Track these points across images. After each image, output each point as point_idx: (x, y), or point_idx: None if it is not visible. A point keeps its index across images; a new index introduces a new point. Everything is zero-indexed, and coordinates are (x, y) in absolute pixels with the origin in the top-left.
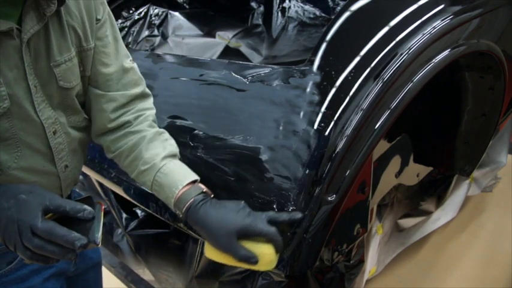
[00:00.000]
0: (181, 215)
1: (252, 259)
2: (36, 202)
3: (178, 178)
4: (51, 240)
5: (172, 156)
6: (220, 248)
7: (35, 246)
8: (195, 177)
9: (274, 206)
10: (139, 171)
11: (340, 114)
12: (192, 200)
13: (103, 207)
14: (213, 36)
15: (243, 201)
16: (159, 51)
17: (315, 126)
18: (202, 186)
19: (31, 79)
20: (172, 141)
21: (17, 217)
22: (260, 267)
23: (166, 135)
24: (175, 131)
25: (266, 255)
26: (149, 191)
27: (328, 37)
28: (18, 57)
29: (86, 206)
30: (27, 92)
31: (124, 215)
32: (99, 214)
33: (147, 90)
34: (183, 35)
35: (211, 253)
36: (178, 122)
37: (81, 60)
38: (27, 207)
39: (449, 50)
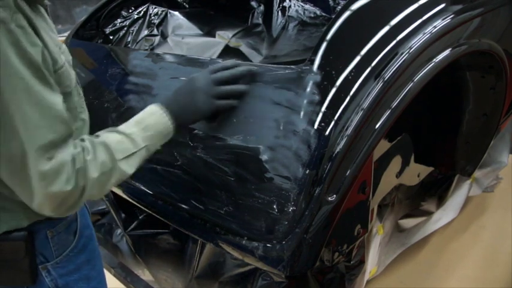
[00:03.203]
0: None
1: None
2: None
3: None
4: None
5: None
6: None
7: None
8: None
9: (275, 206)
10: None
11: (340, 114)
12: None
13: None
14: (213, 36)
15: None
16: (158, 51)
17: (315, 126)
18: None
19: None
20: None
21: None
22: None
23: None
24: None
25: None
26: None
27: (329, 36)
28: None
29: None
30: None
31: (123, 215)
32: None
33: None
34: (183, 35)
35: None
36: None
37: None
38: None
39: (450, 49)
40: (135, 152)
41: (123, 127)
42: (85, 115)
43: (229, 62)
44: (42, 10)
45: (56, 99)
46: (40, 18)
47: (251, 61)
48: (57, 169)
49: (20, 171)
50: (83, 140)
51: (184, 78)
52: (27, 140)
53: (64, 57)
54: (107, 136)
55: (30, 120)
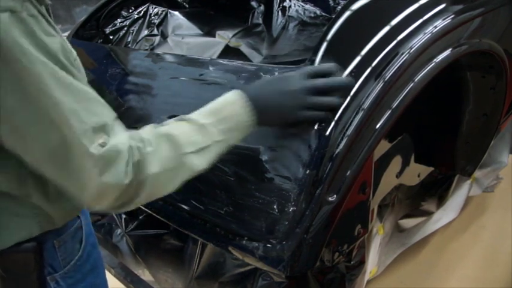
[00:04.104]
0: None
1: None
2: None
3: None
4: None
5: None
6: None
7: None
8: None
9: (275, 207)
10: None
11: (341, 114)
12: None
13: None
14: (213, 36)
15: None
16: (158, 51)
17: (316, 126)
18: None
19: None
20: None
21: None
22: None
23: None
24: None
25: None
26: None
27: (329, 36)
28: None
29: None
30: None
31: (123, 215)
32: None
33: None
34: (183, 35)
35: None
36: None
37: None
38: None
39: (450, 49)
40: (209, 145)
41: (197, 115)
42: None
43: (327, 66)
44: (44, 11)
45: (85, 86)
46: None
47: (251, 61)
48: (111, 156)
49: (66, 163)
50: (142, 129)
51: (184, 79)
52: (67, 128)
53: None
54: (175, 126)
55: (64, 106)
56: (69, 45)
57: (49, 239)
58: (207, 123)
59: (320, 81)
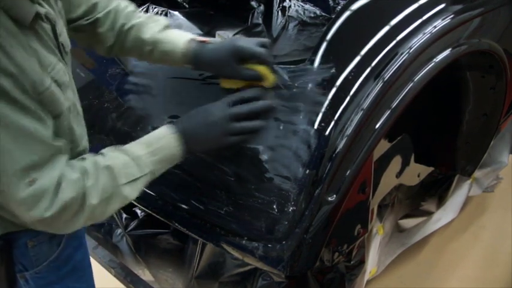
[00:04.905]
0: (192, 67)
1: (257, 76)
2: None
3: (178, 40)
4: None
5: (166, 27)
6: (228, 75)
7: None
8: (191, 36)
9: (275, 207)
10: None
11: (340, 114)
12: (193, 49)
13: None
14: (213, 36)
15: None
16: None
17: (315, 126)
18: (198, 38)
19: (62, 54)
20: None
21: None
22: (265, 83)
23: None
24: None
25: (267, 73)
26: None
27: (329, 36)
28: (55, 38)
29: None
30: (66, 67)
31: (124, 215)
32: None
33: None
34: None
35: (225, 83)
36: None
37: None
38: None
39: (450, 49)
40: (140, 176)
41: (130, 148)
42: (80, 132)
43: (249, 92)
44: (42, 27)
45: (33, 120)
46: (33, 37)
47: None
48: (36, 196)
49: (2, 194)
50: (83, 159)
51: (184, 79)
52: (1, 166)
53: (51, 79)
54: (113, 157)
55: (0, 144)
56: (34, 76)
57: (21, 238)
58: (139, 156)
59: (242, 108)
